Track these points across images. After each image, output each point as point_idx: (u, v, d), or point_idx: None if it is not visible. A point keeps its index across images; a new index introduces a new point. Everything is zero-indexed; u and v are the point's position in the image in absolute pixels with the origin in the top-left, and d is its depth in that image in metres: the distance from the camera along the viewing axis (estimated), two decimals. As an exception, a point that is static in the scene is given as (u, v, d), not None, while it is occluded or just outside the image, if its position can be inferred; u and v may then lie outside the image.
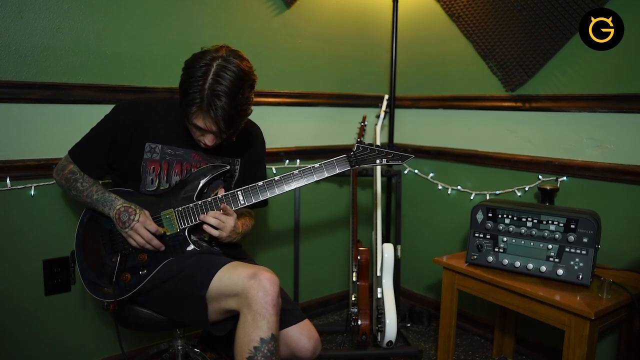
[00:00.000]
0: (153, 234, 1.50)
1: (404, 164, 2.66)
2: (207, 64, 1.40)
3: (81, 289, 1.92)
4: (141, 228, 1.48)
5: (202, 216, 1.52)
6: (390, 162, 1.56)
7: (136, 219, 1.48)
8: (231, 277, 1.38)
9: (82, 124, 1.66)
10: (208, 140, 1.50)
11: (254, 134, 1.75)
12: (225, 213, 1.52)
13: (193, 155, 1.60)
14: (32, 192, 1.80)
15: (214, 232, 1.51)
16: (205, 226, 1.52)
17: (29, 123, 1.76)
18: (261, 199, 1.54)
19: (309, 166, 1.55)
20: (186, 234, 1.53)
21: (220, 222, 1.51)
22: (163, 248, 1.53)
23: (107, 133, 1.56)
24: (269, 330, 1.30)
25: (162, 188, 1.58)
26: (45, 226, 1.84)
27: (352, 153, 1.56)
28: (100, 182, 1.60)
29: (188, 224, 1.53)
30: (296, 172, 1.54)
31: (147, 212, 1.51)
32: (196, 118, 1.43)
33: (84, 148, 1.59)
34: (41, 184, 1.81)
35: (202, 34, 2.08)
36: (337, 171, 1.55)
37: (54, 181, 1.81)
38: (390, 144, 2.66)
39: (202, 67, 1.40)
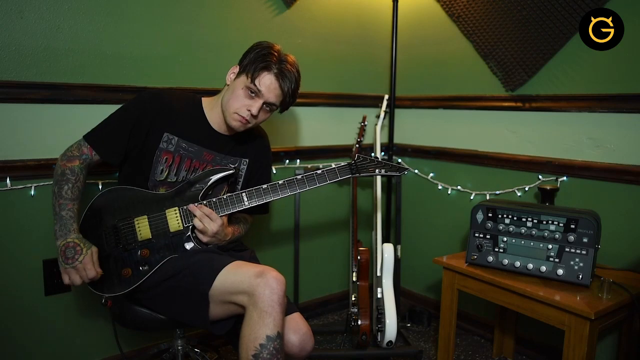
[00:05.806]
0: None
1: (403, 164, 2.67)
2: (276, 50, 1.57)
3: (81, 288, 1.92)
4: (82, 271, 1.42)
5: (191, 205, 1.54)
6: (389, 173, 1.65)
7: (80, 259, 1.42)
8: (237, 274, 1.39)
9: (82, 124, 1.66)
10: (255, 107, 1.55)
11: (263, 138, 1.83)
12: (210, 218, 1.53)
13: (204, 154, 1.64)
14: (32, 192, 1.80)
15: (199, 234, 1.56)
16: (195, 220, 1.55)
17: (29, 123, 1.76)
18: (265, 201, 1.58)
19: (312, 172, 1.61)
20: (189, 232, 1.55)
21: (203, 226, 1.52)
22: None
23: (130, 119, 1.56)
24: (275, 327, 1.31)
25: (169, 180, 1.60)
26: (45, 226, 1.83)
27: (353, 162, 1.63)
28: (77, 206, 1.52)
29: (191, 222, 1.54)
30: (299, 177, 1.60)
31: (94, 251, 1.45)
32: (263, 77, 1.53)
33: (102, 133, 1.57)
34: (41, 184, 1.81)
35: (202, 34, 2.08)
36: (339, 178, 1.62)
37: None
38: (390, 144, 2.66)
39: (270, 48, 1.56)
